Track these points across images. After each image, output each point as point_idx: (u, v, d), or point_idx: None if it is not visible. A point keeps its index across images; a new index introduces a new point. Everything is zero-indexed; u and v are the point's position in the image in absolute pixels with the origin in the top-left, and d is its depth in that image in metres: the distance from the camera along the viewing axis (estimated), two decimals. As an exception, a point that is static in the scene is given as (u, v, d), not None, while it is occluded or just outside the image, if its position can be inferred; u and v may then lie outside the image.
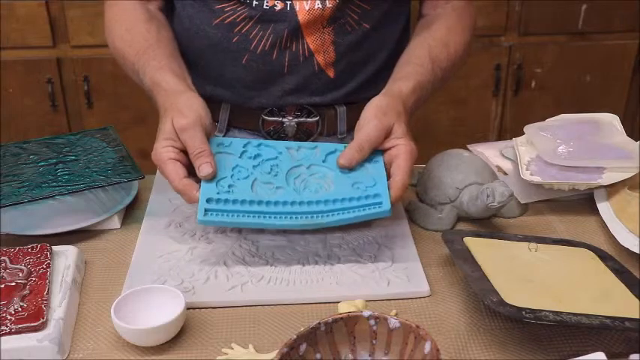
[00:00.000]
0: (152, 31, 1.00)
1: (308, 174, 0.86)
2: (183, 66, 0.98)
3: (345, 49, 1.02)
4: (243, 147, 0.87)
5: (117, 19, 1.04)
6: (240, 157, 0.86)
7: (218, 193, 0.81)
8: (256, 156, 0.87)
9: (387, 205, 0.81)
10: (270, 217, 0.80)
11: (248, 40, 1.01)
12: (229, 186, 0.82)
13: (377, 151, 0.87)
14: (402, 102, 0.90)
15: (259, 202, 0.81)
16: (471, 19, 1.07)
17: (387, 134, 0.86)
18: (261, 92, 1.05)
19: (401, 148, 0.85)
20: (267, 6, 0.98)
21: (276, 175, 0.85)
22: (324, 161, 0.87)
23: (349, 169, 0.85)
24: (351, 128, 1.08)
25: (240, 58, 1.02)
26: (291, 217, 0.81)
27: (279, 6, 0.98)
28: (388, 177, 0.85)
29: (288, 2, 0.98)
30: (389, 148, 0.86)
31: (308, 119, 1.06)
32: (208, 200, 0.80)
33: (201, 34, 1.03)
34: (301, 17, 0.98)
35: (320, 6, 0.98)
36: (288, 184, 0.84)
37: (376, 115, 0.86)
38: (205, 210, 0.79)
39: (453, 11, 1.05)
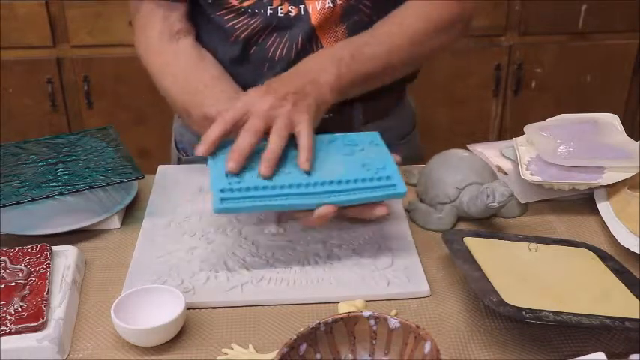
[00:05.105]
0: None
1: (314, 159, 0.85)
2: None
3: None
4: None
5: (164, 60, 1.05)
6: None
7: (230, 184, 0.80)
8: (258, 151, 0.86)
9: (401, 188, 0.82)
10: (285, 198, 0.80)
11: (265, 50, 1.02)
12: (238, 176, 0.82)
13: (372, 133, 0.88)
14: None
15: (272, 187, 0.80)
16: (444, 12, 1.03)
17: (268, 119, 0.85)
18: None
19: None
20: (281, 13, 0.98)
21: (283, 164, 0.84)
22: (327, 147, 0.87)
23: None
24: (367, 122, 1.09)
25: (260, 68, 1.04)
26: (306, 197, 0.80)
27: (293, 11, 0.98)
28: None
29: (302, 6, 0.98)
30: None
31: (324, 115, 1.06)
32: (222, 190, 0.80)
33: (220, 51, 1.05)
34: (314, 19, 0.99)
35: (330, 4, 0.98)
36: (296, 169, 0.83)
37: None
38: (221, 199, 0.79)
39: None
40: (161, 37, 1.03)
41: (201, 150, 0.83)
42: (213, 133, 0.83)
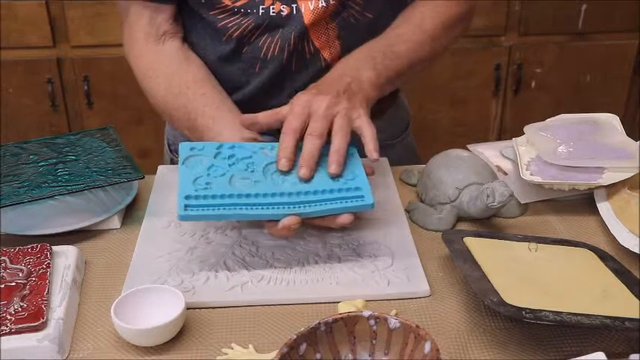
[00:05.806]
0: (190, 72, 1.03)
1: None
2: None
3: (350, 42, 1.02)
4: (217, 149, 0.88)
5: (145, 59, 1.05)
6: (214, 157, 0.86)
7: (196, 191, 0.81)
8: (230, 156, 0.87)
9: (369, 199, 0.81)
10: (250, 208, 0.80)
11: (258, 49, 1.02)
12: (207, 183, 0.82)
13: (349, 145, 0.88)
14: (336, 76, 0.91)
15: (239, 195, 0.81)
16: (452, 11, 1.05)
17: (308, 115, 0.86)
18: (272, 94, 1.05)
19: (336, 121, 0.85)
20: (273, 13, 0.99)
21: (253, 171, 0.85)
22: (298, 156, 0.86)
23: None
24: None
25: (252, 67, 1.04)
26: (272, 208, 0.80)
27: (285, 11, 0.98)
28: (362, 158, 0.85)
29: (294, 5, 0.98)
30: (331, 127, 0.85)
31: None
32: (187, 197, 0.80)
33: (211, 50, 1.05)
34: (307, 18, 0.99)
35: (324, 4, 0.98)
36: (265, 178, 0.84)
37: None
38: (185, 206, 0.79)
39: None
40: (147, 38, 1.03)
41: (285, 165, 0.83)
42: (289, 147, 0.84)
